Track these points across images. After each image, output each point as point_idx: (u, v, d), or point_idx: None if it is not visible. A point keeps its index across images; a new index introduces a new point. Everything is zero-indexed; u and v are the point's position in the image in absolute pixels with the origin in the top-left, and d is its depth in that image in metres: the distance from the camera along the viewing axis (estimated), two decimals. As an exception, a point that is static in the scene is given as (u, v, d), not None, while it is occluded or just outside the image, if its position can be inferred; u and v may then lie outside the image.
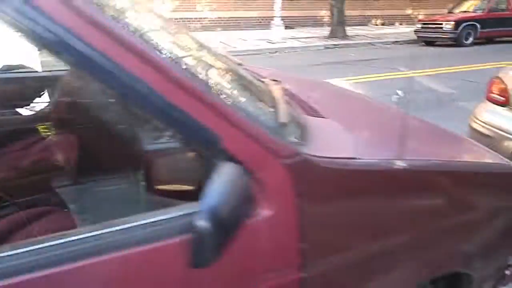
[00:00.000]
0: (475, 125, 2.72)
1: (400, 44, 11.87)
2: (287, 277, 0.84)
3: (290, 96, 1.26)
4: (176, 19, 14.43)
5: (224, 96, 0.80)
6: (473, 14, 11.03)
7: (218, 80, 0.94)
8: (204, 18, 14.82)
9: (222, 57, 1.23)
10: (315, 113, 1.18)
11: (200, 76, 0.82)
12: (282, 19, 11.75)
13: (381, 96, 5.65)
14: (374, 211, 0.92)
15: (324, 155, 0.87)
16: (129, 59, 0.65)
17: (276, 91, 1.05)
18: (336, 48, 11.18)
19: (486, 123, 2.61)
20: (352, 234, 0.90)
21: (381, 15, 17.18)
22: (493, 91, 2.66)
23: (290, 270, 0.85)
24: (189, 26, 14.50)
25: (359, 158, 0.92)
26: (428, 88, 6.11)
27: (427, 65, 8.11)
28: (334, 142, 1.00)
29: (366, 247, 0.92)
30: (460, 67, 7.88)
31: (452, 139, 1.44)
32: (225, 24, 15.06)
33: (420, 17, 15.13)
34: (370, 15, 17.01)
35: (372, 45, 11.56)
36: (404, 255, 0.98)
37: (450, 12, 12.04)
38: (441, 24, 10.78)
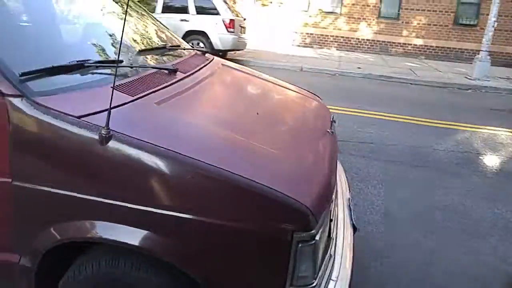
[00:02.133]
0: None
1: None
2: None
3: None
4: (378, 41, 14.54)
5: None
6: None
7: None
8: (408, 44, 14.36)
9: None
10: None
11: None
12: (490, 54, 10.27)
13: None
14: (75, 164, 1.23)
15: (46, 105, 1.23)
16: None
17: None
18: None
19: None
20: (51, 173, 1.25)
21: None
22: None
23: (2, 174, 1.27)
24: (390, 50, 14.37)
25: (80, 116, 1.23)
26: None
27: None
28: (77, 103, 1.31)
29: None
30: None
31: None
32: (429, 53, 14.16)
33: None
34: None
35: None
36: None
37: None
38: None
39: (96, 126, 1.21)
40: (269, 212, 1.19)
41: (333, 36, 14.95)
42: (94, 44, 1.62)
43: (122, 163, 1.21)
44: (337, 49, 14.82)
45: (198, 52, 2.39)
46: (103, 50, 1.65)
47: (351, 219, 1.88)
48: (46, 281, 1.43)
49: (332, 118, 1.89)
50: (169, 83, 1.66)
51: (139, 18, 2.26)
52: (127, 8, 1.29)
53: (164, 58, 2.01)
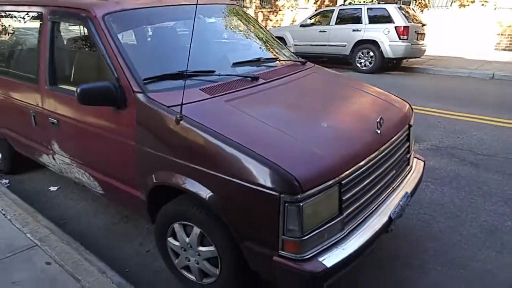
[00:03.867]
0: None
1: None
2: (129, 140, 2.22)
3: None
4: None
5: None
6: None
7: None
8: None
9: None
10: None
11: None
12: None
13: None
14: (163, 135, 2.05)
15: (153, 98, 2.11)
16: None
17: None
18: None
19: None
20: (152, 140, 2.09)
21: None
22: None
23: (129, 138, 2.21)
24: None
25: (169, 106, 2.05)
26: None
27: None
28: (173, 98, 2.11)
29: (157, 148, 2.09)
30: None
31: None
32: None
33: None
34: None
35: None
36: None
37: None
38: None
39: (176, 112, 2.00)
40: (269, 177, 1.71)
41: (560, 36, 12.64)
42: (199, 58, 2.46)
43: (187, 137, 1.96)
44: None
45: (297, 63, 2.99)
46: (201, 63, 2.47)
47: (392, 211, 2.15)
48: (153, 211, 2.33)
49: (380, 120, 2.20)
50: (245, 87, 2.35)
51: (249, 34, 3.04)
52: (193, 32, 2.03)
53: (257, 67, 2.70)
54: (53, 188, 3.68)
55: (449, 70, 9.71)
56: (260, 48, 3.04)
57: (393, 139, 2.29)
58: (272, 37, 3.23)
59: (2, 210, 3.02)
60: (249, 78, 2.45)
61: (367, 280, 2.42)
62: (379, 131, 2.18)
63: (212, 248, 2.08)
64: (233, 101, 2.20)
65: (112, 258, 2.63)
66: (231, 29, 3.08)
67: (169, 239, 2.29)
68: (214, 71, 2.41)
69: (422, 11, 13.78)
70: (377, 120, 2.19)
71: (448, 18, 13.64)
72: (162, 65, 2.43)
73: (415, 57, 10.00)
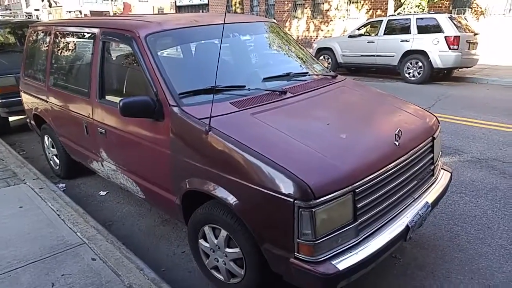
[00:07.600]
0: None
1: None
2: (165, 149, 2.48)
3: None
4: None
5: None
6: None
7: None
8: None
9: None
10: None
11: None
12: None
13: None
14: (194, 145, 2.29)
15: (186, 111, 2.36)
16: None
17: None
18: None
19: None
20: (185, 149, 2.33)
21: None
22: None
23: (166, 147, 2.47)
24: None
25: (200, 118, 2.30)
26: None
27: None
28: (205, 111, 2.34)
29: (188, 156, 2.33)
30: None
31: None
32: None
33: None
34: None
35: None
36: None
37: None
38: None
39: (206, 124, 2.24)
40: (285, 184, 1.88)
41: None
42: (232, 74, 2.71)
43: (215, 146, 2.19)
44: None
45: (328, 77, 3.15)
46: (234, 78, 2.71)
47: (410, 220, 2.24)
48: (187, 214, 2.57)
49: (399, 132, 2.30)
50: (272, 101, 2.55)
51: (282, 50, 3.25)
52: (220, 49, 2.27)
53: (287, 82, 2.89)
54: (102, 193, 4.07)
55: (503, 80, 9.34)
56: (291, 63, 3.23)
57: (413, 151, 2.38)
58: (306, 53, 3.41)
59: (57, 211, 3.42)
60: (277, 92, 2.64)
61: (390, 286, 2.50)
62: (397, 143, 2.28)
63: (237, 249, 2.27)
64: (259, 114, 2.40)
65: (151, 257, 2.91)
66: (264, 45, 3.31)
67: (200, 240, 2.52)
68: (245, 86, 2.63)
69: (478, 19, 13.32)
70: (395, 132, 2.30)
71: (506, 26, 13.06)
72: (196, 80, 2.69)
73: (466, 67, 9.72)
